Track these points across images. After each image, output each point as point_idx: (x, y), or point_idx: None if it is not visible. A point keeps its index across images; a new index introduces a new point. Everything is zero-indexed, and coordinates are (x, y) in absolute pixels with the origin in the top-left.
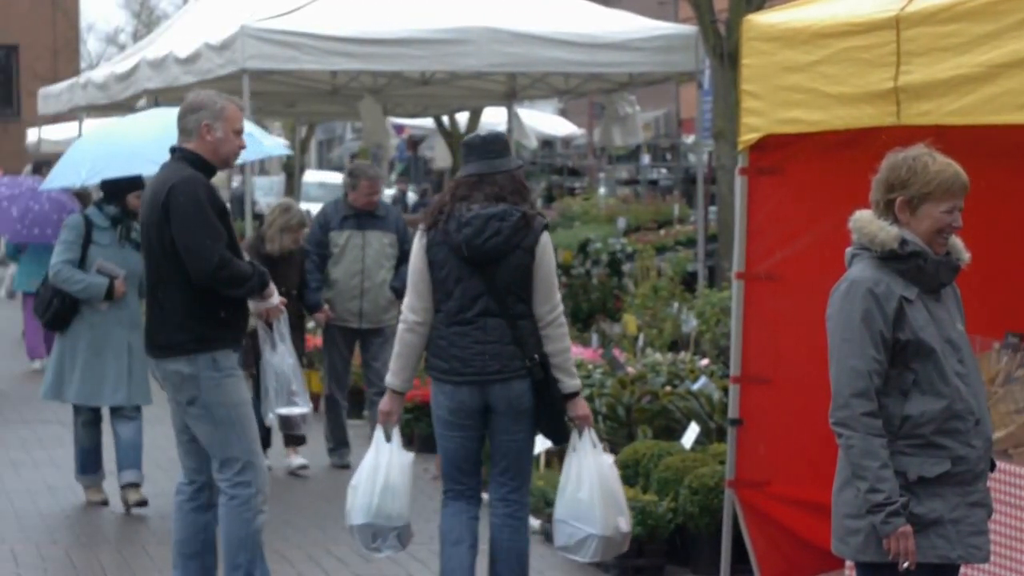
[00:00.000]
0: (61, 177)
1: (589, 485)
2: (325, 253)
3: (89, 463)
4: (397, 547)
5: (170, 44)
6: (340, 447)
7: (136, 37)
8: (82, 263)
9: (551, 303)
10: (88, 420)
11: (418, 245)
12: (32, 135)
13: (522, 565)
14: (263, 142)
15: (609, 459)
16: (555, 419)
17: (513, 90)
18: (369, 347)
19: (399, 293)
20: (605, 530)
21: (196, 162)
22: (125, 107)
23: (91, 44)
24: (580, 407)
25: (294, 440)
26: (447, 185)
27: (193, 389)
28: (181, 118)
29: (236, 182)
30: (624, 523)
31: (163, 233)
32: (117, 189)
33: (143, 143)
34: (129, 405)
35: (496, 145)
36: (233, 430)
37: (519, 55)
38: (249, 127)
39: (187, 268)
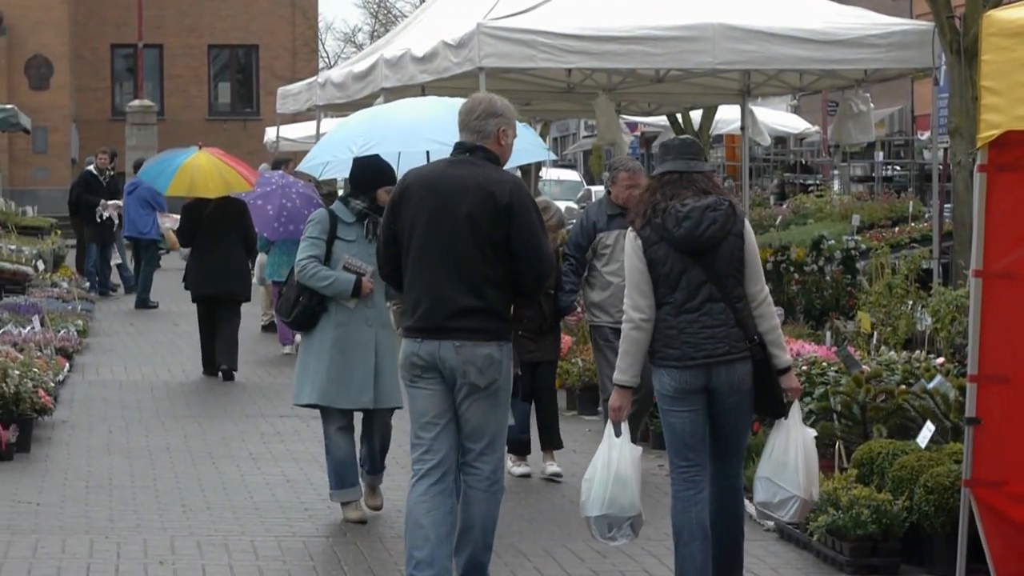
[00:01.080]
0: (325, 153)
1: (795, 451)
2: (583, 258)
3: (346, 475)
4: (631, 536)
5: (407, 43)
6: None
7: (373, 36)
8: (327, 260)
9: (760, 283)
10: (342, 426)
11: (634, 246)
12: (270, 133)
13: (741, 532)
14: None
15: (812, 433)
16: (773, 395)
17: (747, 87)
18: None
19: None
20: (805, 494)
21: (496, 163)
22: (362, 106)
23: (329, 44)
24: (792, 380)
25: (550, 444)
26: (649, 184)
27: (495, 373)
28: (478, 119)
29: None
30: (816, 493)
31: (495, 228)
32: (366, 183)
33: (419, 122)
34: (376, 408)
35: (693, 148)
36: (506, 414)
37: (754, 52)
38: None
39: (522, 264)
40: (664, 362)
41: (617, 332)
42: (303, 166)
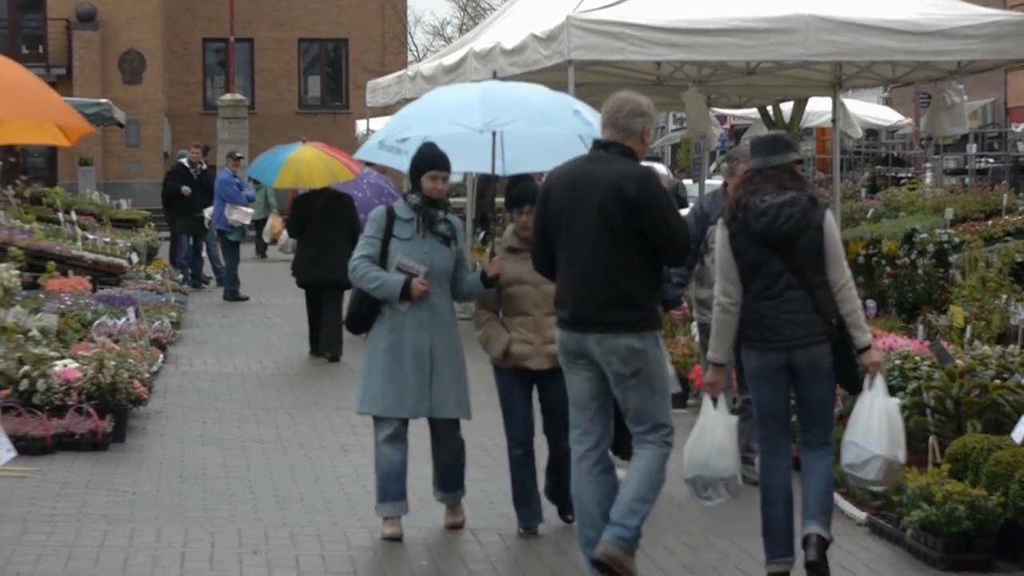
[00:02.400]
0: (371, 150)
1: (879, 417)
2: (695, 249)
3: (388, 488)
4: (726, 496)
5: (497, 36)
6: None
7: (462, 30)
8: (384, 259)
9: (841, 270)
10: (391, 435)
11: (722, 236)
12: (360, 127)
13: (831, 489)
14: None
15: (896, 402)
16: (851, 372)
17: (839, 79)
18: None
19: None
20: (888, 453)
21: (631, 158)
22: None
23: (418, 37)
24: (873, 356)
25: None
26: (739, 180)
27: (640, 362)
28: (626, 117)
29: None
30: (902, 455)
31: (625, 220)
32: (414, 173)
33: (447, 107)
34: (435, 418)
35: (776, 144)
36: (665, 399)
37: (845, 44)
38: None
39: (657, 251)
40: (748, 343)
41: None
42: (359, 155)
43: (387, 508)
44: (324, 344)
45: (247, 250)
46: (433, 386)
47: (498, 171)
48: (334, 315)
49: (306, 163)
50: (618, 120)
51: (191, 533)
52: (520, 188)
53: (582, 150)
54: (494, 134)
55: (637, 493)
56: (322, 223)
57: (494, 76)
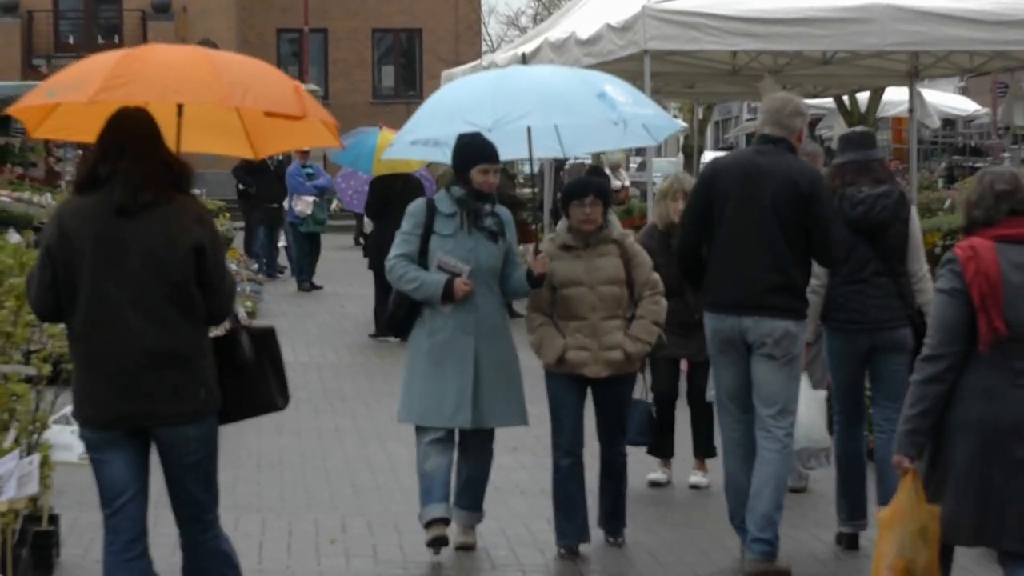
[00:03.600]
0: (399, 149)
1: None
2: None
3: (433, 489)
4: (825, 464)
5: (572, 26)
6: None
7: (536, 20)
8: (423, 257)
9: (921, 261)
10: (437, 438)
11: None
12: None
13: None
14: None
15: None
16: None
17: (915, 69)
18: None
19: None
20: None
21: (795, 155)
22: None
23: (492, 27)
24: None
25: (703, 452)
26: (830, 171)
27: (791, 347)
28: (788, 116)
29: (635, 163)
30: None
31: (796, 213)
32: (460, 164)
33: (459, 104)
34: (473, 428)
35: (869, 139)
36: (797, 388)
37: (922, 33)
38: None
39: (820, 252)
40: (833, 324)
41: None
42: (386, 156)
43: (430, 511)
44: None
45: (342, 239)
46: (479, 394)
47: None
48: None
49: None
50: (781, 119)
51: (268, 522)
52: (583, 178)
53: (621, 135)
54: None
55: (773, 502)
56: (400, 207)
57: (523, 60)
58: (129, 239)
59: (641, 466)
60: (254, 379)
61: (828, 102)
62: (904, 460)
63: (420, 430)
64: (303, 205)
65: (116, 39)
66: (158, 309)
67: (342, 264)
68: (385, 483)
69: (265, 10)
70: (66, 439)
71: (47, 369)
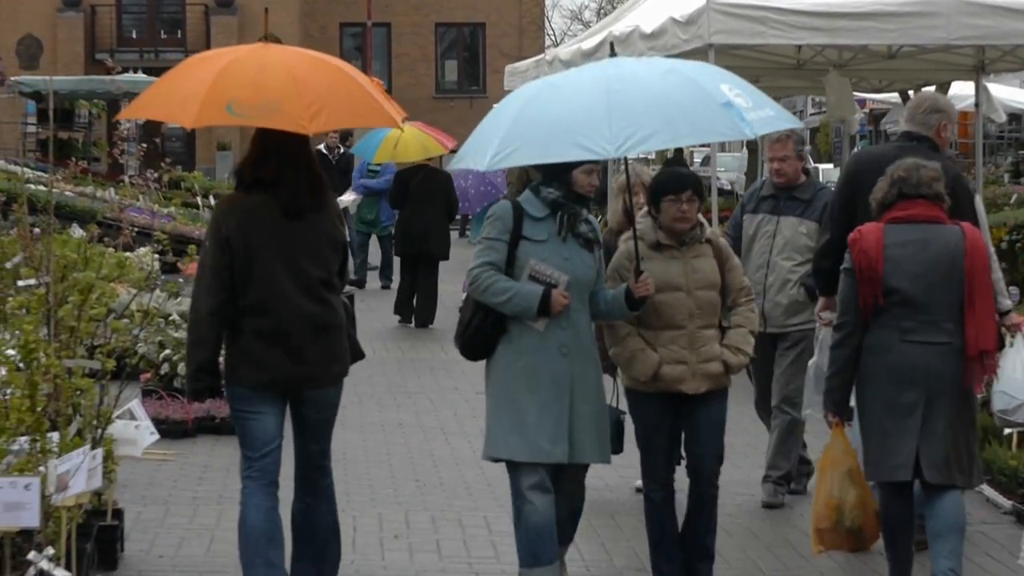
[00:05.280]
0: (468, 155)
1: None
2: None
3: (542, 549)
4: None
5: (636, 20)
6: None
7: (600, 14)
8: (511, 266)
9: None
10: (536, 483)
11: None
12: None
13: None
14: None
15: None
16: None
17: (982, 63)
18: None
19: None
20: None
21: (937, 152)
22: None
23: (555, 21)
24: (1014, 318)
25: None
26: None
27: None
28: (924, 113)
29: (699, 158)
30: None
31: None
32: (563, 164)
33: (567, 120)
34: (571, 463)
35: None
36: None
37: (989, 27)
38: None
39: None
40: None
41: None
42: (451, 166)
43: (543, 573)
44: (419, 312)
45: None
46: (573, 424)
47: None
48: (430, 286)
49: (402, 140)
50: (916, 115)
51: None
52: (678, 171)
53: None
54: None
55: (959, 544)
56: (420, 197)
57: (611, 52)
58: (298, 235)
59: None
60: (354, 336)
61: (893, 97)
62: (829, 415)
63: (516, 472)
64: (344, 201)
65: (179, 34)
66: (315, 291)
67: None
68: (449, 478)
69: (328, 4)
70: (130, 434)
71: (111, 364)
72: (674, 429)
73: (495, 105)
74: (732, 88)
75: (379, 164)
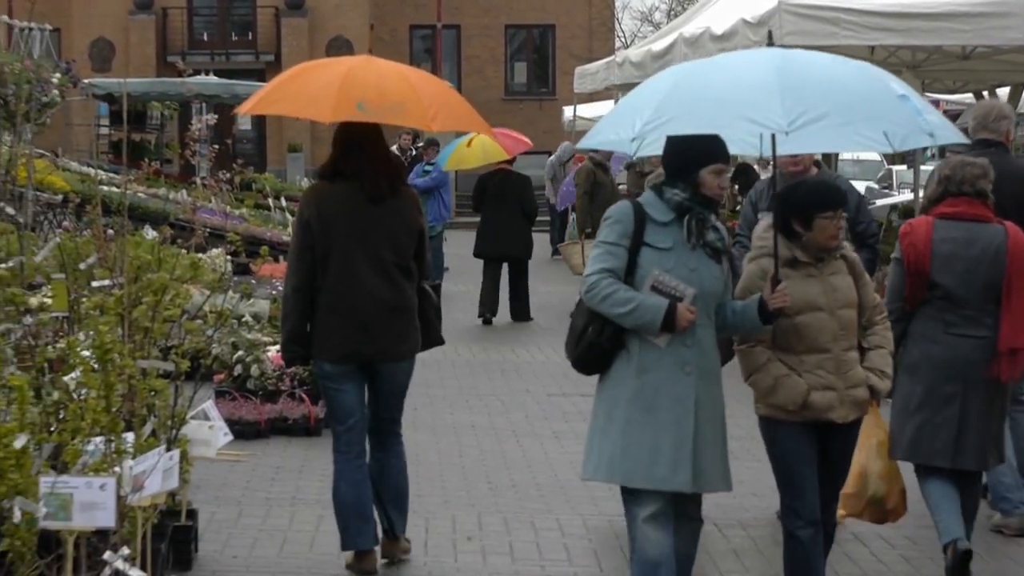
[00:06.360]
0: (608, 128)
1: None
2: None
3: None
4: None
5: (706, 21)
6: None
7: (670, 15)
8: (631, 275)
9: None
10: (654, 513)
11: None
12: (567, 113)
13: None
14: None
15: None
16: None
17: None
18: None
19: None
20: None
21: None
22: None
23: (625, 23)
24: None
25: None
26: None
27: None
28: (994, 120)
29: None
30: None
31: None
32: (684, 164)
33: (734, 93)
34: (693, 492)
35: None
36: None
37: None
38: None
39: None
40: None
41: None
42: (584, 143)
43: None
44: (514, 311)
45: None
46: (697, 450)
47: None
48: (520, 285)
49: (467, 147)
50: (988, 123)
51: None
52: (830, 184)
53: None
54: None
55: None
56: (497, 200)
57: (769, 40)
58: (375, 221)
59: None
60: (433, 321)
61: (967, 98)
62: None
63: (631, 499)
64: None
65: (249, 36)
66: (389, 273)
67: (475, 262)
68: (521, 480)
69: (398, 6)
70: (204, 434)
71: (186, 365)
72: (816, 459)
73: (638, 87)
74: (902, 86)
75: (431, 164)
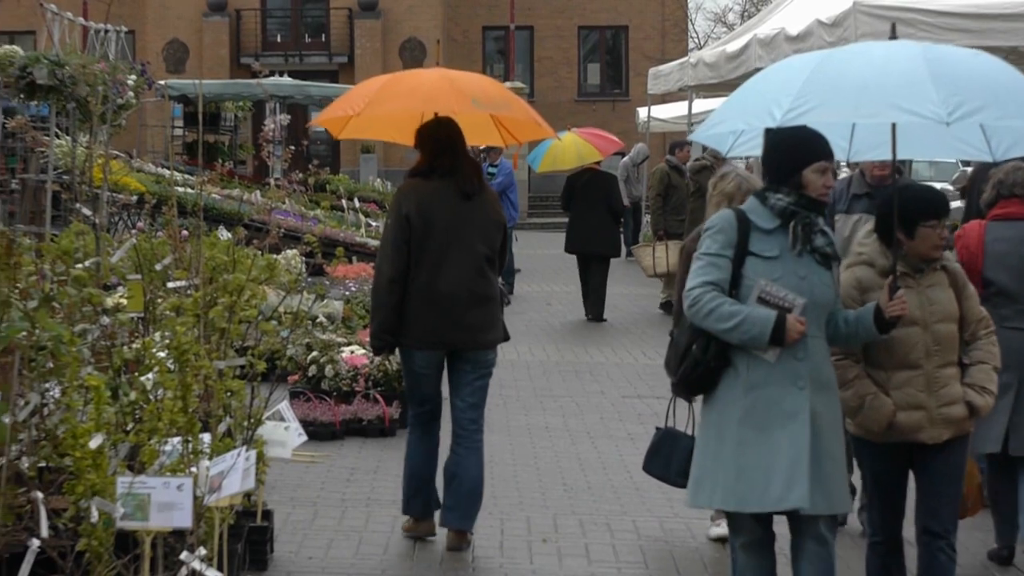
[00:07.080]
0: (736, 117)
1: None
2: None
3: None
4: None
5: (781, 22)
6: None
7: (744, 16)
8: (735, 287)
9: None
10: (752, 540)
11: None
12: (641, 114)
13: None
14: None
15: None
16: None
17: None
18: None
19: None
20: None
21: None
22: (735, 87)
23: (699, 24)
24: None
25: None
26: None
27: None
28: None
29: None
30: None
31: None
32: (786, 166)
33: (879, 81)
34: (812, 514)
35: None
36: None
37: None
38: None
39: None
40: None
41: None
42: (698, 135)
43: None
44: (588, 309)
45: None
46: (816, 469)
47: (988, 156)
48: (598, 283)
49: (561, 148)
50: None
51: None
52: (935, 192)
53: None
54: None
55: None
56: (584, 199)
57: (892, 34)
58: (468, 215)
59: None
60: (503, 317)
61: None
62: None
63: (731, 523)
64: None
65: (322, 37)
66: (479, 265)
67: (549, 262)
68: (596, 482)
69: (471, 8)
70: (279, 435)
71: (262, 365)
72: (906, 477)
73: (764, 71)
74: None
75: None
